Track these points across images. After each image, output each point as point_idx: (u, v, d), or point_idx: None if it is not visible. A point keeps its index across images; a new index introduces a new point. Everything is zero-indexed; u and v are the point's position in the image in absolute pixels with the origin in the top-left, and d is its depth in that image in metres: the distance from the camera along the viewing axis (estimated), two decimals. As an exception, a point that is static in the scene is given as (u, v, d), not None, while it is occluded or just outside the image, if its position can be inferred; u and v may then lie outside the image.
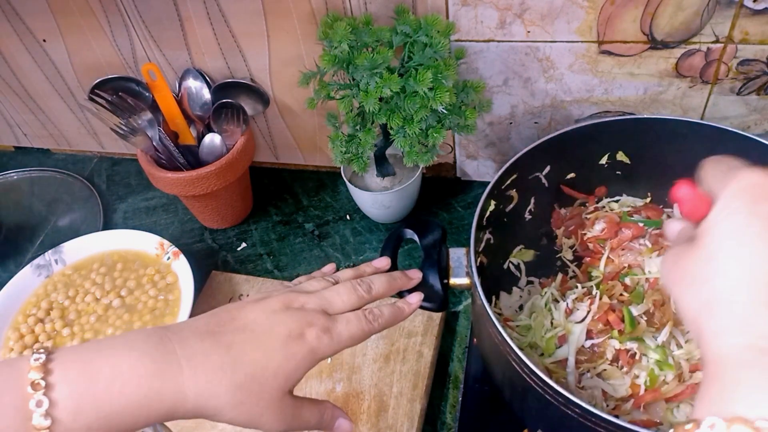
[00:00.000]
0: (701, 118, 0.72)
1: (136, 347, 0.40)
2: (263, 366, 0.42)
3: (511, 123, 0.80)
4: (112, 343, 0.40)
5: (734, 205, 0.34)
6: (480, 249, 0.63)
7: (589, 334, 0.59)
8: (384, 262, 0.55)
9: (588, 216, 0.71)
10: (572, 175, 0.70)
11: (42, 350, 0.38)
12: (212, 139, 0.82)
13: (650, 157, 0.67)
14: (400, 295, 0.54)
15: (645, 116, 0.65)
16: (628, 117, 0.65)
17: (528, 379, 0.47)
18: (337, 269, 0.82)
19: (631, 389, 0.56)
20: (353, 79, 0.66)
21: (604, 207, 0.71)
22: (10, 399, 0.36)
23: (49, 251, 0.83)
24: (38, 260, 0.82)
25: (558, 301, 0.64)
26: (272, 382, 0.42)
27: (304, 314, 0.45)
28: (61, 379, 0.37)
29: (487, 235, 0.65)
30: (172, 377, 0.39)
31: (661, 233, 0.66)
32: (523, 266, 0.70)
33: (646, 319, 0.59)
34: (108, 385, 0.38)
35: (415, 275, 0.55)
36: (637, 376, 0.56)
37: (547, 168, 0.67)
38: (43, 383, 0.36)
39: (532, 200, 0.70)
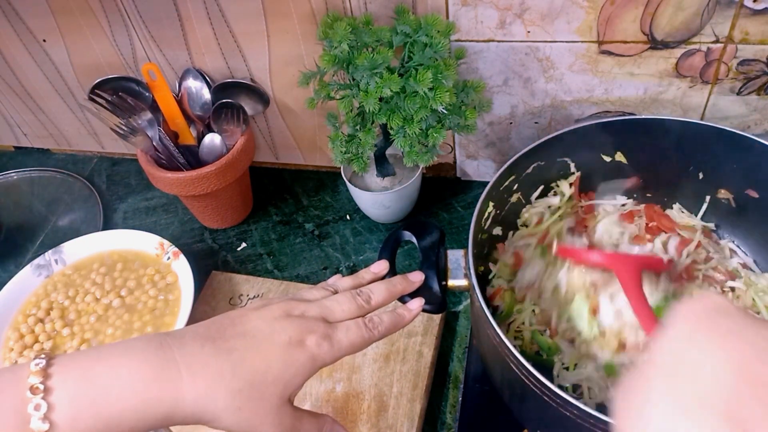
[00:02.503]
0: (701, 118, 0.72)
1: (135, 353, 0.40)
2: (263, 372, 0.41)
3: (511, 123, 0.80)
4: (112, 349, 0.40)
5: (675, 327, 0.34)
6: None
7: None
8: (382, 266, 0.55)
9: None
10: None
11: (43, 356, 0.38)
12: (212, 139, 0.82)
13: (650, 158, 0.67)
14: (402, 299, 0.53)
15: (645, 116, 0.65)
16: (628, 117, 0.65)
17: (527, 381, 0.47)
18: (337, 270, 0.83)
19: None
20: (353, 79, 0.66)
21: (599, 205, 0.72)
22: (10, 403, 0.36)
23: (49, 251, 0.83)
24: (38, 260, 0.82)
25: None
26: (272, 389, 0.41)
27: (305, 321, 0.45)
28: (59, 384, 0.37)
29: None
30: (170, 382, 0.39)
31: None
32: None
33: None
34: (106, 389, 0.38)
35: (417, 278, 0.54)
36: None
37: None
38: (41, 387, 0.36)
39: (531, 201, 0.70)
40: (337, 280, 0.53)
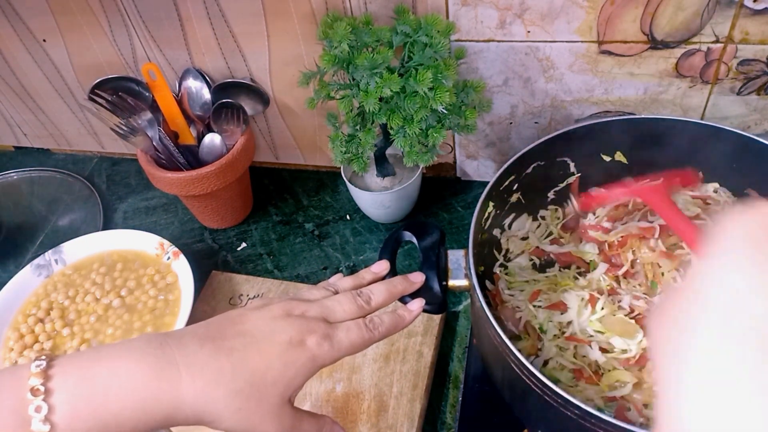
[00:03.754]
0: (701, 118, 0.72)
1: (135, 354, 0.40)
2: (263, 373, 0.41)
3: (511, 123, 0.80)
4: (112, 350, 0.40)
5: (719, 251, 0.30)
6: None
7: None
8: (383, 266, 0.55)
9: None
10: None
11: (44, 357, 0.38)
12: (212, 139, 0.82)
13: (650, 157, 0.67)
14: (402, 299, 0.53)
15: (645, 116, 0.65)
16: (628, 117, 0.65)
17: (528, 380, 0.47)
18: (337, 270, 0.83)
19: None
20: (353, 79, 0.66)
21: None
22: (11, 404, 0.36)
23: (49, 251, 0.83)
24: (38, 260, 0.82)
25: None
26: (272, 389, 0.41)
27: (305, 321, 0.45)
28: (60, 385, 0.37)
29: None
30: (170, 383, 0.39)
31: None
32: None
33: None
34: (105, 391, 0.38)
35: (418, 279, 0.54)
36: None
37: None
38: (42, 389, 0.36)
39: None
40: (337, 280, 0.53)
